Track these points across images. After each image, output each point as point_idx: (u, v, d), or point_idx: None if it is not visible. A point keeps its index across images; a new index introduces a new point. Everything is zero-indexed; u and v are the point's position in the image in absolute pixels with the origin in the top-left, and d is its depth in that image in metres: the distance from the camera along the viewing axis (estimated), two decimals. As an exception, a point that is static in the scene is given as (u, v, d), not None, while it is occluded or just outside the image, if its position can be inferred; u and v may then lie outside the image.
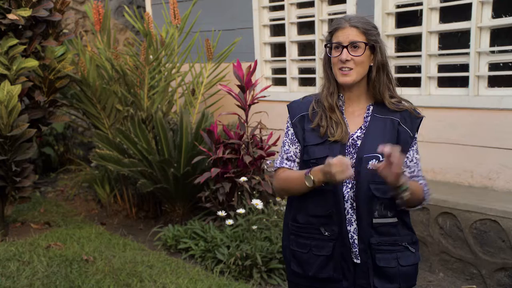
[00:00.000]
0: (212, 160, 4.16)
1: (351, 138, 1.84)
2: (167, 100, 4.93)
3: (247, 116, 4.29)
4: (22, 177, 4.38)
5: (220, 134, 4.33)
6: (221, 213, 3.95)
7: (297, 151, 1.92)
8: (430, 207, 3.62)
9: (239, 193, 4.11)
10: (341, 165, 1.66)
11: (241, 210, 3.84)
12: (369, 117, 1.86)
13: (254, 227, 3.76)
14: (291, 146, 1.93)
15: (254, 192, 3.99)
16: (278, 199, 4.09)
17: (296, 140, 1.91)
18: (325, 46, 1.87)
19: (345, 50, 1.79)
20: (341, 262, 1.85)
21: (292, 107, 1.96)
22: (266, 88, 4.47)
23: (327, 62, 1.89)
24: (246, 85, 4.24)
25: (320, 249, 1.86)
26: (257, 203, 3.73)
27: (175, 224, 4.45)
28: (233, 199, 4.13)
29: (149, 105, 4.70)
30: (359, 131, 1.85)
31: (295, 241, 1.95)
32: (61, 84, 4.56)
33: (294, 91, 4.99)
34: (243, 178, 4.00)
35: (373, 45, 1.81)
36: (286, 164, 1.94)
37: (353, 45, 1.79)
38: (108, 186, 5.14)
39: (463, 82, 3.91)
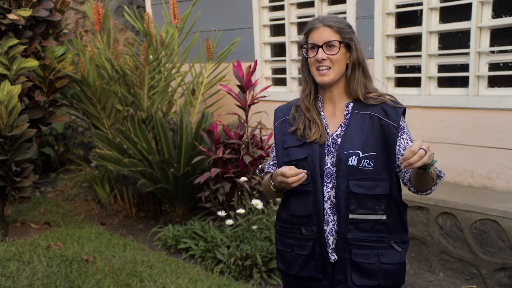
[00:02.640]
0: (212, 160, 4.16)
1: (331, 138, 1.85)
2: (167, 100, 4.93)
3: (247, 116, 4.29)
4: (22, 177, 4.38)
5: (220, 134, 4.33)
6: (221, 213, 3.95)
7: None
8: (430, 207, 3.62)
9: (239, 193, 4.11)
10: (294, 175, 1.75)
11: (241, 210, 3.84)
12: (349, 114, 1.87)
13: (254, 227, 3.76)
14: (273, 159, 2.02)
15: (254, 192, 3.99)
16: (278, 199, 4.09)
17: (276, 145, 1.97)
18: (301, 47, 1.90)
19: (320, 49, 1.81)
20: (320, 262, 1.87)
21: (277, 111, 2.03)
22: (266, 88, 4.48)
23: (305, 64, 1.91)
24: (246, 85, 4.24)
25: (302, 248, 1.90)
26: (257, 203, 3.73)
27: (175, 224, 4.45)
28: (233, 199, 4.13)
29: (149, 105, 4.70)
30: (339, 129, 1.86)
31: (280, 240, 2.00)
32: (61, 84, 4.56)
33: (294, 91, 4.99)
34: (243, 178, 4.00)
35: (348, 43, 1.83)
36: (272, 169, 2.01)
37: (328, 44, 1.81)
38: (108, 186, 5.14)
39: (463, 82, 3.91)
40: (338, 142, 1.83)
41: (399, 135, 1.83)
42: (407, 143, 1.84)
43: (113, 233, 4.57)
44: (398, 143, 1.82)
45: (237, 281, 3.54)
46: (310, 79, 1.90)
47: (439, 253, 3.62)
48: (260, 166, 2.12)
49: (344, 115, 1.88)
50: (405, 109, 1.87)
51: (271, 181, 1.90)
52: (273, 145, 2.01)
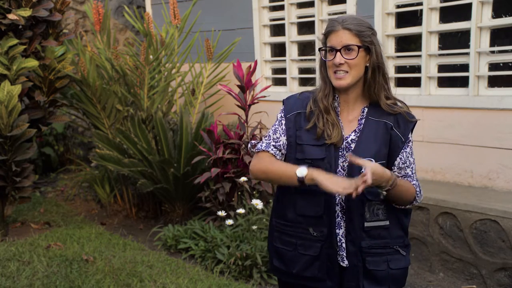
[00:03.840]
0: (212, 160, 4.16)
1: (345, 141, 1.84)
2: (167, 100, 4.93)
3: (247, 116, 4.29)
4: (22, 177, 4.38)
5: (220, 134, 4.33)
6: (221, 213, 3.95)
7: (285, 143, 1.91)
8: (430, 207, 3.62)
9: (239, 193, 4.11)
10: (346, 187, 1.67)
11: (241, 210, 3.84)
12: (364, 120, 1.85)
13: (254, 227, 3.76)
14: (282, 136, 1.91)
15: (254, 192, 3.99)
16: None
17: (287, 134, 1.90)
18: (319, 49, 1.87)
19: (338, 54, 1.78)
20: (326, 263, 1.86)
21: (289, 102, 1.95)
22: (266, 88, 4.48)
23: (323, 64, 1.87)
24: (246, 85, 4.24)
25: (307, 248, 1.87)
26: (257, 203, 3.73)
27: (175, 224, 4.45)
28: (233, 199, 4.13)
29: (149, 105, 4.70)
30: (353, 134, 1.85)
31: (279, 238, 1.96)
32: (61, 84, 4.56)
33: (294, 91, 4.97)
34: (243, 178, 4.00)
35: (368, 47, 1.80)
36: (272, 150, 1.91)
37: (347, 48, 1.77)
38: (108, 186, 5.14)
39: (463, 82, 3.91)
40: (352, 148, 1.82)
41: (403, 148, 1.84)
42: (407, 157, 1.85)
43: (113, 233, 4.57)
44: (400, 156, 1.84)
45: (237, 281, 3.54)
46: (328, 80, 1.86)
47: (439, 253, 3.62)
48: (252, 142, 2.01)
49: (359, 119, 1.86)
50: (415, 123, 1.87)
51: (302, 176, 1.74)
52: (277, 127, 1.92)
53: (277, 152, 1.91)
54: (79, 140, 6.67)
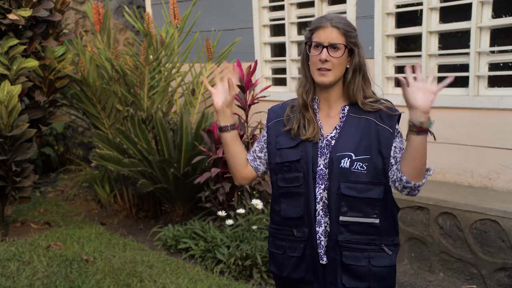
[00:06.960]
0: (212, 160, 4.16)
1: (325, 139, 1.85)
2: (167, 100, 4.93)
3: (247, 116, 4.29)
4: (22, 177, 4.38)
5: (220, 134, 4.32)
6: (221, 213, 3.95)
7: (262, 156, 1.99)
8: (430, 207, 3.62)
9: (239, 193, 4.11)
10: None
11: (241, 210, 3.84)
12: (345, 117, 1.86)
13: (254, 227, 3.76)
14: (257, 147, 2.00)
15: (254, 192, 3.99)
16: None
17: (267, 142, 1.96)
18: (305, 43, 1.87)
19: (324, 50, 1.79)
20: (311, 264, 1.87)
21: (271, 111, 2.02)
22: (266, 88, 4.48)
23: (305, 60, 1.89)
24: (246, 85, 4.24)
25: (293, 250, 1.89)
26: (257, 203, 3.73)
27: (175, 224, 4.45)
28: (233, 199, 4.13)
29: (149, 105, 4.70)
30: (334, 131, 1.86)
31: (272, 243, 1.99)
32: (61, 84, 4.56)
33: (294, 91, 4.98)
34: (243, 178, 3.99)
35: (352, 48, 1.81)
36: (251, 155, 2.02)
37: (333, 46, 1.79)
38: (108, 186, 5.14)
39: (463, 82, 3.91)
40: (332, 144, 1.83)
41: (394, 136, 1.82)
42: (400, 146, 1.83)
43: (113, 233, 4.57)
44: (394, 145, 1.82)
45: (237, 281, 3.54)
46: (310, 76, 1.88)
47: (439, 253, 3.62)
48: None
49: (340, 117, 1.87)
50: (400, 116, 1.86)
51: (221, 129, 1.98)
52: (261, 137, 2.01)
53: (251, 158, 2.01)
54: (79, 140, 6.67)
